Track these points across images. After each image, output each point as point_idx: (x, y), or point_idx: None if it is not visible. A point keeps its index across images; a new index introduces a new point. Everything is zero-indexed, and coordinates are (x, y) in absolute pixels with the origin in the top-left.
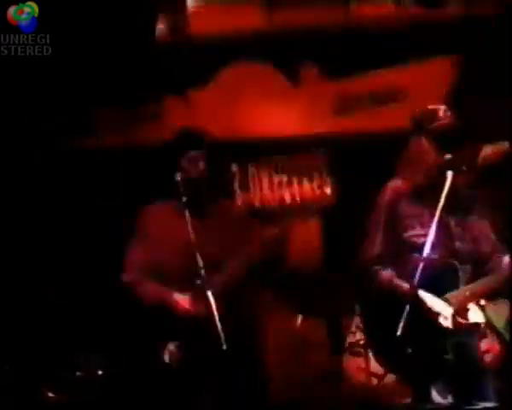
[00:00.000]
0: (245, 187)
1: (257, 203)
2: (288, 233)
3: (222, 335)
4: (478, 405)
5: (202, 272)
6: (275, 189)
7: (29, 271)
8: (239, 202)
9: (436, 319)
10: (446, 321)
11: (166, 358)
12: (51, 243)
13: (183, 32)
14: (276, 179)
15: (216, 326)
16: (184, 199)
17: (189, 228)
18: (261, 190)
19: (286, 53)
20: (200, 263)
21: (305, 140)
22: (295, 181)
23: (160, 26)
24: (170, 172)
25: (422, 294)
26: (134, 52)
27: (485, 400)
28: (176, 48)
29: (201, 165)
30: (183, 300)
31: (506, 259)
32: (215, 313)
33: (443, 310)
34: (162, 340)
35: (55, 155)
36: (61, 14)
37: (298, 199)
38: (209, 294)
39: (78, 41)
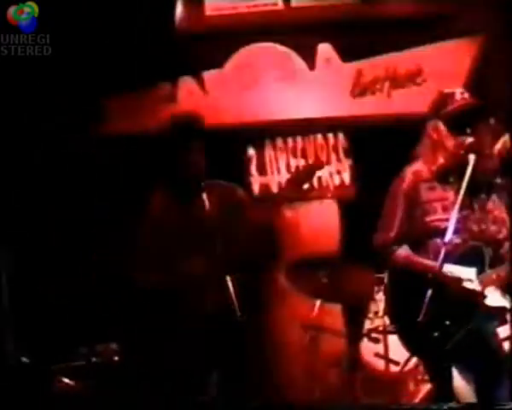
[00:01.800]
0: (262, 171)
1: (274, 187)
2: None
3: (241, 322)
4: (509, 405)
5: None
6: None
7: (38, 263)
8: (255, 185)
9: (460, 292)
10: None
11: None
12: (62, 234)
13: (199, 14)
14: (293, 163)
15: (235, 311)
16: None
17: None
18: (278, 173)
19: (303, 35)
20: (220, 248)
21: (323, 123)
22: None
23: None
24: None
25: (447, 266)
26: (137, 48)
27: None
28: (191, 30)
29: (198, 154)
30: None
31: None
32: (234, 298)
33: (468, 275)
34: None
35: (54, 155)
36: (61, 14)
37: (315, 183)
38: (228, 279)
39: (78, 41)
